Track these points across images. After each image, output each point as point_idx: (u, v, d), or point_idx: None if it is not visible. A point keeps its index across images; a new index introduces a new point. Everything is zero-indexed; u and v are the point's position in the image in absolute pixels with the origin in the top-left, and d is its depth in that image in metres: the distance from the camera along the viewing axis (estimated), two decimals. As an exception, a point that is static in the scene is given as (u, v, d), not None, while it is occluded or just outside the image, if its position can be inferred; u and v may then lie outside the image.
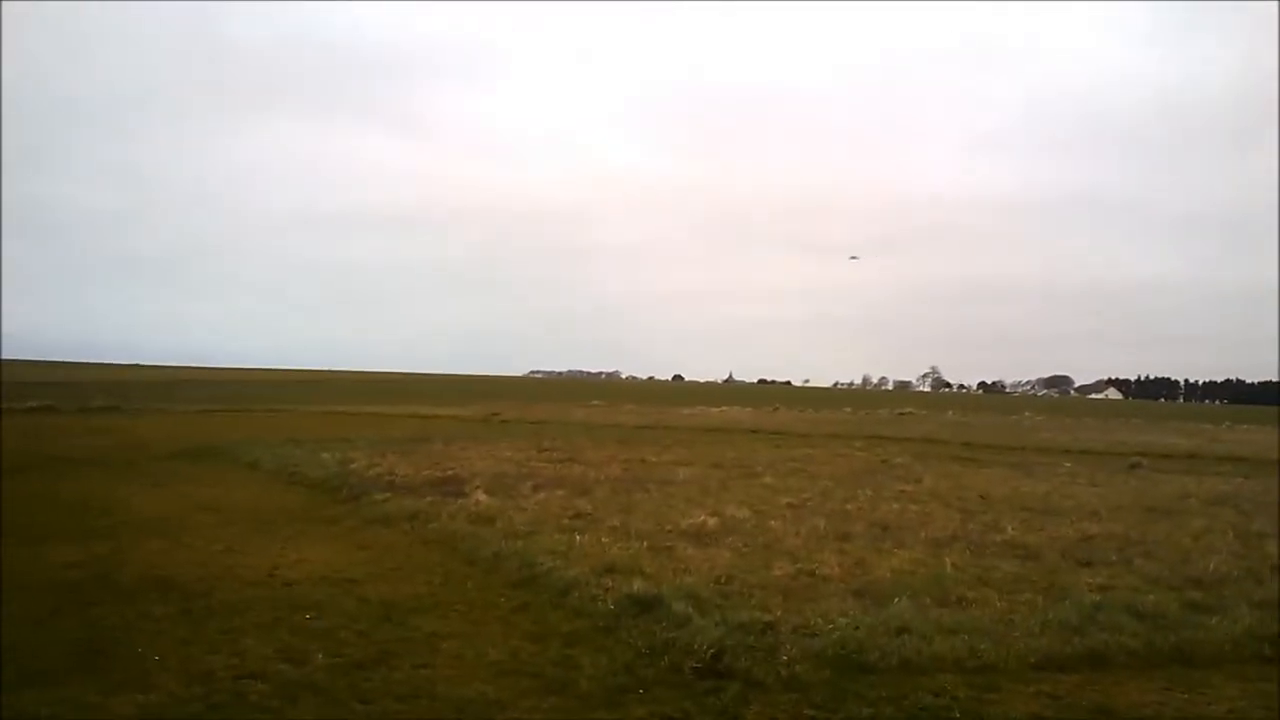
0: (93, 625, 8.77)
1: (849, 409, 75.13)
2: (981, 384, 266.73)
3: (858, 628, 8.50)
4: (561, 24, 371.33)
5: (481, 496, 16.45)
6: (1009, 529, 14.45)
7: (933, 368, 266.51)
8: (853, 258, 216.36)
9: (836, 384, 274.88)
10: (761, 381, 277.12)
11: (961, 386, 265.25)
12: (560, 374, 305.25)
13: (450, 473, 20.55)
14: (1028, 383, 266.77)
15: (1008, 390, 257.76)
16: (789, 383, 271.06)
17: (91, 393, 61.01)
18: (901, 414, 65.83)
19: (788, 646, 8.00)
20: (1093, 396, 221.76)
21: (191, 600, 9.68)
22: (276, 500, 17.38)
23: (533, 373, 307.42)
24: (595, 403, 76.76)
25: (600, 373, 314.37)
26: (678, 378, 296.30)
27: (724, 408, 70.45)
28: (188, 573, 10.94)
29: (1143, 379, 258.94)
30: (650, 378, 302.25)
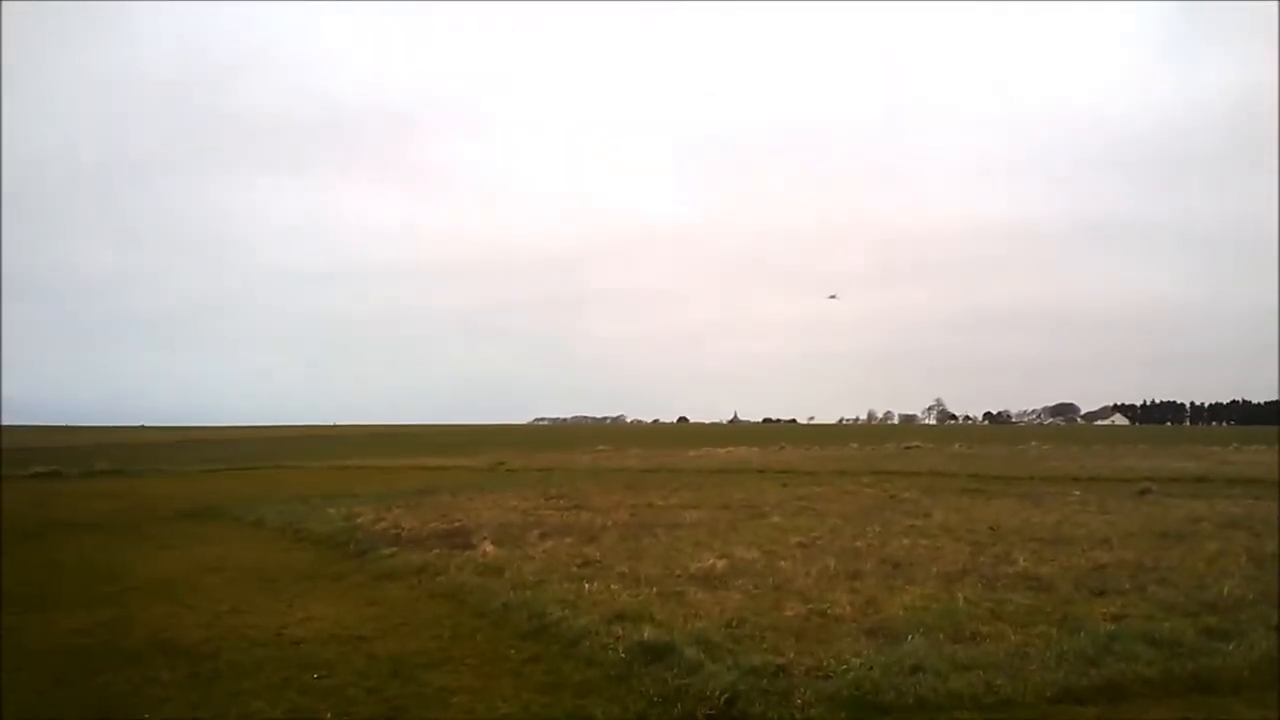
0: (100, 692, 8.69)
1: (855, 445, 74.84)
2: (987, 414, 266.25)
3: (871, 668, 8.41)
4: (555, 70, 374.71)
5: (489, 547, 16.36)
6: (1020, 560, 14.35)
7: (937, 400, 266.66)
8: (831, 296, 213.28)
9: (842, 420, 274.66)
10: (766, 420, 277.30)
11: (967, 418, 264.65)
12: (565, 420, 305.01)
13: (457, 524, 20.45)
14: (1033, 411, 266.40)
15: (1014, 420, 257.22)
16: (794, 420, 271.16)
17: (95, 456, 60.97)
18: (908, 448, 65.61)
19: (801, 689, 7.92)
20: (1099, 423, 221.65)
21: (199, 663, 9.60)
22: (282, 558, 17.28)
23: (538, 420, 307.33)
24: (601, 448, 76.54)
25: (605, 417, 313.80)
26: (683, 420, 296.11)
27: (730, 448, 70.29)
28: (194, 635, 10.85)
29: (1149, 404, 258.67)
30: (655, 420, 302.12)
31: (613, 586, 12.67)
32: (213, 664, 9.57)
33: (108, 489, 37.73)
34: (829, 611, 11.06)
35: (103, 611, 12.43)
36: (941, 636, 9.68)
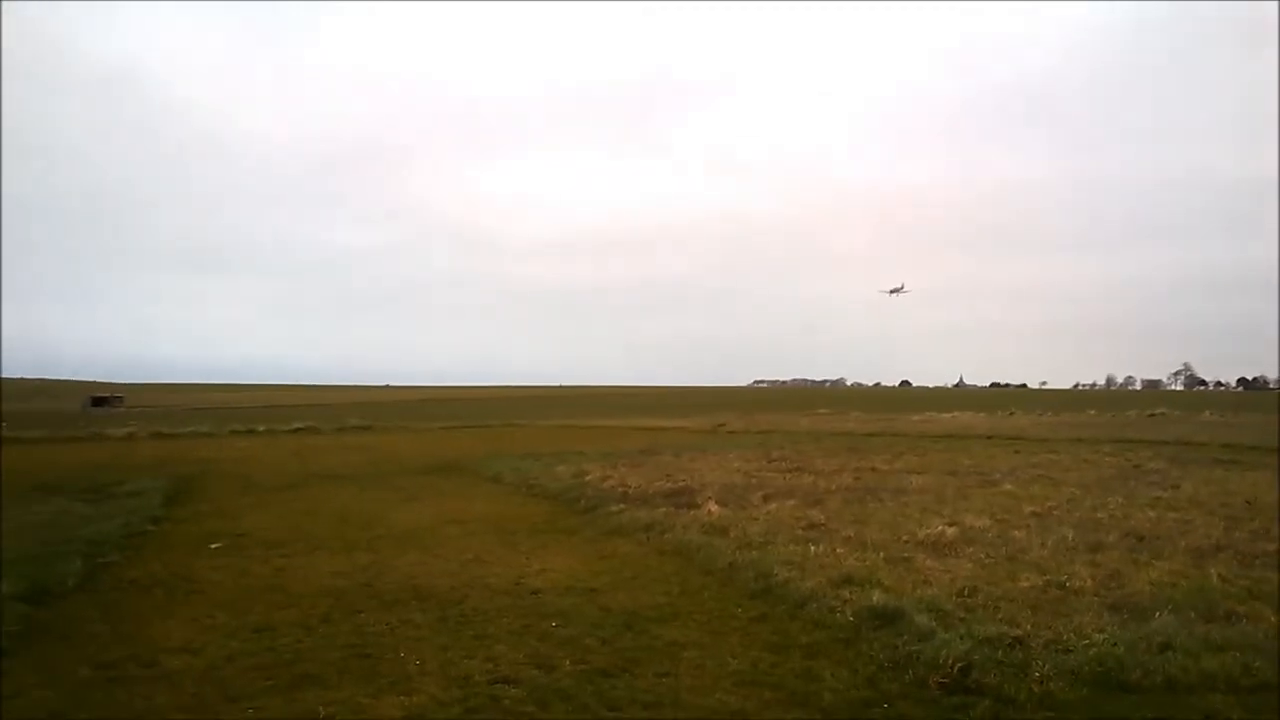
0: (360, 631, 9.39)
1: (1093, 411, 71.18)
2: (1241, 380, 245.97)
3: (1116, 644, 8.05)
4: (784, 44, 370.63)
5: (713, 507, 16.60)
6: (1282, 538, 13.30)
7: (1185, 364, 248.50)
8: (893, 291, 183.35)
9: (1077, 385, 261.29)
10: (994, 385, 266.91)
11: (1218, 384, 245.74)
12: (784, 383, 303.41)
13: (681, 484, 20.83)
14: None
15: (1271, 386, 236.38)
16: (1024, 385, 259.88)
17: (346, 413, 65.55)
18: (1152, 415, 61.83)
19: (1040, 662, 7.66)
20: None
21: (446, 608, 10.23)
22: (518, 512, 18.12)
23: (756, 382, 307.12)
24: (821, 411, 75.96)
25: (825, 380, 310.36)
26: (905, 383, 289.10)
27: (955, 413, 68.39)
28: (442, 582, 11.57)
29: None
30: (876, 384, 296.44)
31: (838, 550, 12.63)
32: (459, 609, 10.18)
33: (359, 443, 40.63)
34: (1068, 584, 10.63)
35: (359, 557, 13.44)
36: (1193, 614, 9.13)
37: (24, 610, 9.91)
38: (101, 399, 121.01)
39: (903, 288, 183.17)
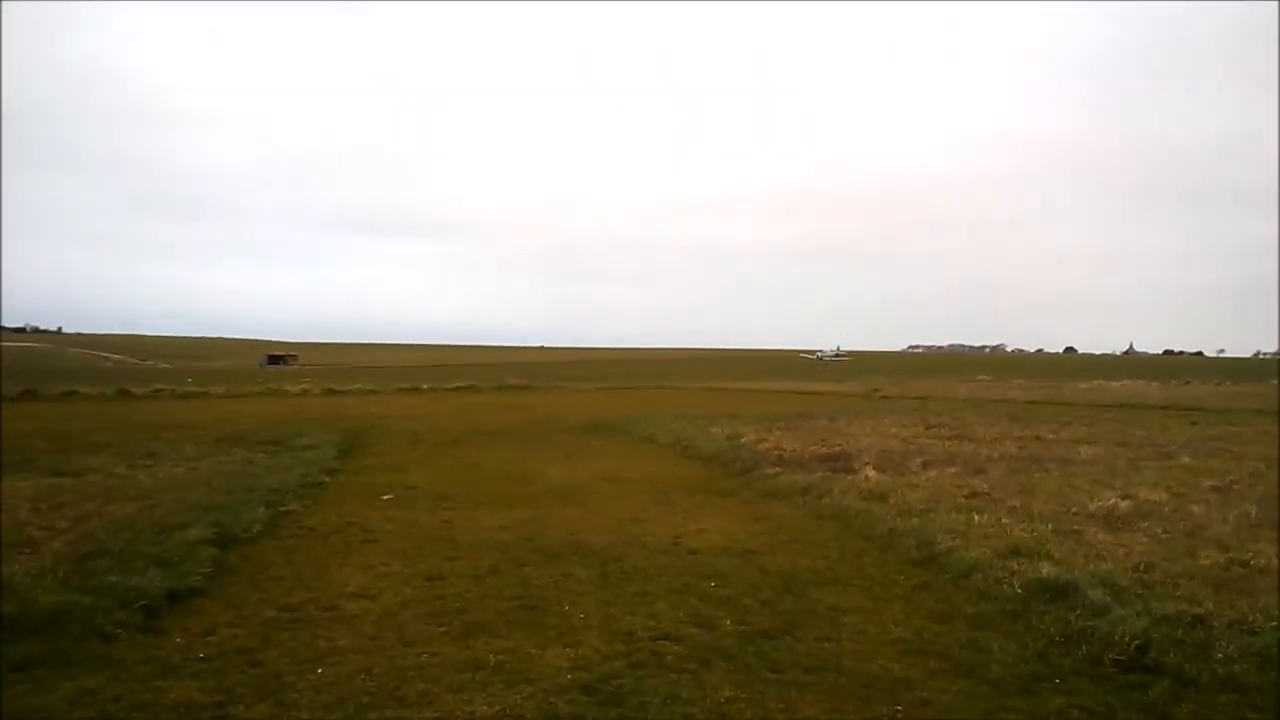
0: (525, 583, 9.65)
1: (1275, 381, 66.90)
2: None
3: (1306, 627, 7.58)
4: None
5: (871, 473, 16.37)
6: None
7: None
8: (819, 356, 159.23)
9: (1258, 353, 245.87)
10: (1167, 352, 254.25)
11: None
12: (940, 348, 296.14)
13: (837, 448, 20.59)
14: None
15: None
16: (1200, 353, 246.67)
17: (503, 373, 67.17)
18: (1343, 386, 57.71)
19: (1223, 643, 7.28)
20: None
21: (607, 564, 10.42)
22: (673, 472, 18.28)
23: (911, 348, 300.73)
24: (981, 377, 73.94)
25: (984, 346, 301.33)
26: (1069, 350, 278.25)
27: (1126, 381, 65.44)
28: (601, 539, 11.78)
29: None
30: (1039, 350, 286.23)
31: (1003, 520, 12.27)
32: (619, 566, 10.35)
33: (516, 402, 41.68)
34: (1252, 562, 10.07)
35: (521, 511, 13.81)
36: (1394, 599, 8.53)
37: (213, 554, 10.51)
38: (277, 357, 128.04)
39: (839, 351, 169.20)
